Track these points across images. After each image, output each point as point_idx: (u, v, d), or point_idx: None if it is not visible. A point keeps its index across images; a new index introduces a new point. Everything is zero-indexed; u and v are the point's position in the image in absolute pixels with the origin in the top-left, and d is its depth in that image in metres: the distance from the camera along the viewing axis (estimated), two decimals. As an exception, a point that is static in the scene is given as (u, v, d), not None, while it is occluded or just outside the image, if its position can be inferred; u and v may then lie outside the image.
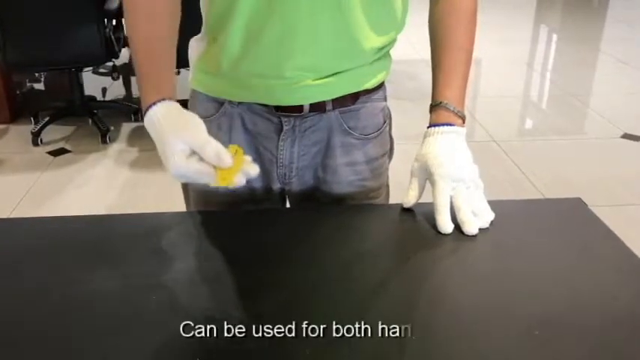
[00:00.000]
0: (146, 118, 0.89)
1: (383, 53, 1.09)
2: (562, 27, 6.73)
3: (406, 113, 3.73)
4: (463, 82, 1.07)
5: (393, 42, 1.10)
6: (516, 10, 6.98)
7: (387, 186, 1.23)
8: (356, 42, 1.01)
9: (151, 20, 0.96)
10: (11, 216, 2.65)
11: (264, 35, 0.97)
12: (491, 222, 0.99)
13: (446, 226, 0.97)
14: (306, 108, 1.07)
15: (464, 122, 1.05)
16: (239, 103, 1.09)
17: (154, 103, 0.88)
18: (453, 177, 0.98)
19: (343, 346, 0.75)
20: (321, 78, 1.03)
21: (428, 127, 1.05)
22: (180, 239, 0.99)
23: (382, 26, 1.04)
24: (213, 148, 0.83)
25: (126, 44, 3.95)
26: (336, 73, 1.04)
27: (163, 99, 0.89)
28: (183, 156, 0.83)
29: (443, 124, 1.03)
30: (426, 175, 1.02)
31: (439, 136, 1.02)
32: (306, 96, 1.05)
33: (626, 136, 3.59)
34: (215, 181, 0.84)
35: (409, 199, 1.03)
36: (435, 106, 1.06)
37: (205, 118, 1.05)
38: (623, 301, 0.84)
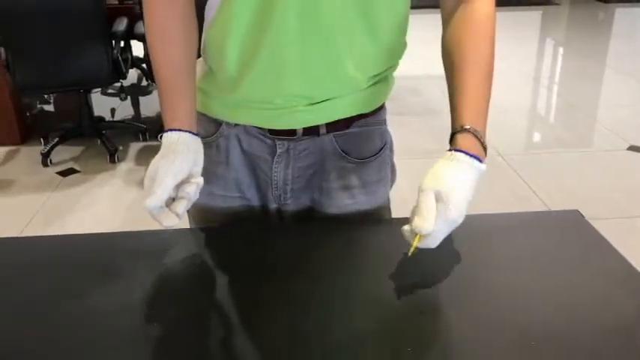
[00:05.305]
0: (164, 137, 0.98)
1: (380, 78, 1.07)
2: (567, 41, 6.74)
3: (409, 129, 3.74)
4: (487, 105, 0.96)
5: (392, 68, 1.09)
6: (522, 25, 7.00)
7: (388, 209, 1.19)
8: (347, 71, 1.00)
9: (165, 43, 1.00)
10: (22, 235, 2.68)
11: (255, 64, 0.98)
12: (489, 234, 1.00)
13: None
14: (300, 131, 1.07)
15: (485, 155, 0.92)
16: (236, 124, 1.10)
17: (171, 130, 0.97)
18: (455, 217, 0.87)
19: (341, 353, 0.77)
20: (313, 104, 1.03)
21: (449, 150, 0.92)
22: (182, 255, 1.01)
23: (376, 56, 1.02)
24: (161, 188, 0.92)
25: (133, 65, 4.00)
26: (328, 99, 1.03)
27: (179, 130, 0.97)
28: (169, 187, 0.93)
29: (470, 155, 0.90)
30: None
31: (464, 164, 0.89)
32: (299, 121, 1.05)
33: (632, 148, 3.59)
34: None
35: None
36: (461, 131, 0.92)
37: (205, 137, 1.08)
38: (620, 312, 0.84)
